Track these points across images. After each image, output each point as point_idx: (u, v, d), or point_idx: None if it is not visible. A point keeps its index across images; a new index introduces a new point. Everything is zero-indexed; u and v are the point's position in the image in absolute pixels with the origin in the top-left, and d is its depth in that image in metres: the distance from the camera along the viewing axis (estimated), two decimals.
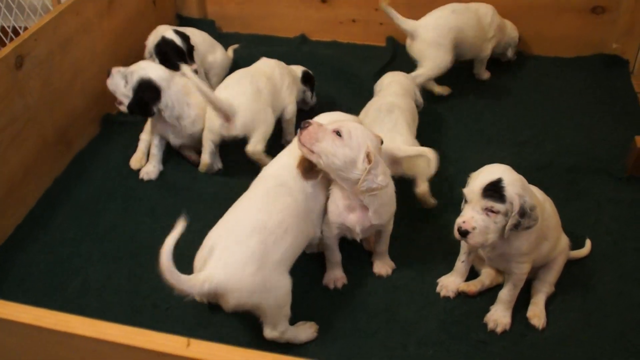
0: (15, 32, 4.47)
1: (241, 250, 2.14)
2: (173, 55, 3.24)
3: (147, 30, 3.72)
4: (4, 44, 4.46)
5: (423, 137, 3.00)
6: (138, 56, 3.65)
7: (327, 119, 2.45)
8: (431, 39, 3.43)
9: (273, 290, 2.18)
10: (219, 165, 3.16)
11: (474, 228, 2.13)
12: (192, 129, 3.07)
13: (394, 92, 3.09)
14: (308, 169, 2.38)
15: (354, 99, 3.48)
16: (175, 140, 3.13)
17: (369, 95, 3.30)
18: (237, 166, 3.14)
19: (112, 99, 3.13)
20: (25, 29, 4.00)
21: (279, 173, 2.42)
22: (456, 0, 3.61)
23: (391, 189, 2.42)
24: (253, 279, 2.12)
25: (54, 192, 3.10)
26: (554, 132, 3.31)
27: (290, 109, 3.25)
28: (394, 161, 2.65)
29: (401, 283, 2.55)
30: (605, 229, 2.75)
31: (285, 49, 4.00)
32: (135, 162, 3.22)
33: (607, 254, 2.61)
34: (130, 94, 2.95)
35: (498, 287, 2.43)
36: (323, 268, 2.60)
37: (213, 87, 3.35)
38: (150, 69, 2.97)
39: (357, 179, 2.24)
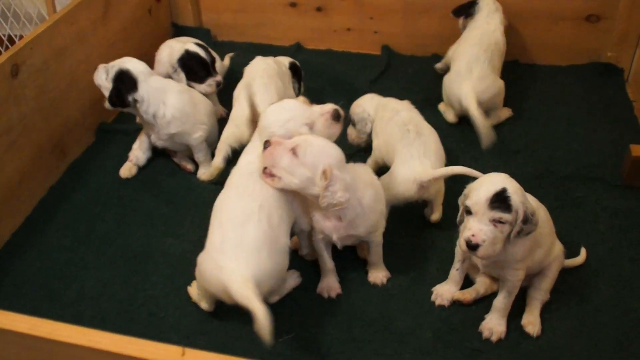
0: (11, 41, 4.48)
1: (247, 241, 2.21)
2: (199, 68, 3.33)
3: (143, 39, 3.72)
4: None
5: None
6: None
7: (276, 115, 2.47)
8: None
9: (283, 265, 2.32)
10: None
11: (483, 241, 2.12)
12: (167, 129, 3.08)
13: (406, 106, 3.03)
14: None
15: (349, 107, 3.48)
16: (156, 141, 3.16)
17: None
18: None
19: (107, 109, 3.13)
20: (21, 37, 4.00)
21: (252, 161, 2.45)
22: None
23: (372, 200, 2.42)
24: (270, 260, 2.23)
25: (50, 200, 3.10)
26: (548, 140, 3.31)
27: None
28: (421, 186, 2.65)
29: (396, 292, 2.56)
30: (600, 237, 2.75)
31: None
32: (125, 170, 3.22)
33: (602, 262, 2.61)
34: (110, 85, 3.02)
35: (493, 295, 2.43)
36: (318, 275, 2.60)
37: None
38: (130, 62, 3.05)
39: (318, 195, 2.26)
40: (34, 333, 1.65)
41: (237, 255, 2.19)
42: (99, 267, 2.73)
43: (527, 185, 2.93)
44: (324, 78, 3.84)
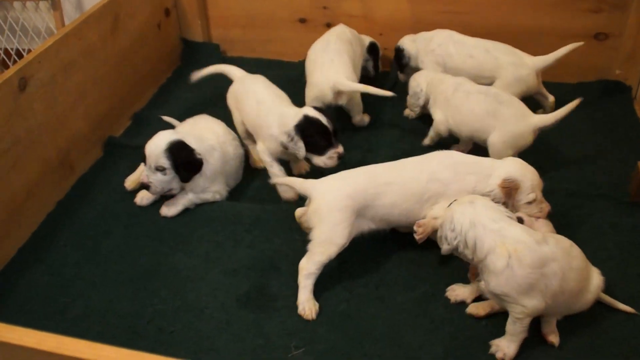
0: (19, 55, 4.50)
1: None
2: (320, 138, 2.92)
3: (152, 54, 3.72)
4: (7, 67, 4.49)
5: None
6: (142, 80, 3.67)
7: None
8: None
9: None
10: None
11: None
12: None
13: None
14: None
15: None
16: None
17: (377, 118, 3.49)
18: (241, 190, 3.15)
19: (115, 122, 3.13)
20: (29, 51, 4.02)
21: None
22: None
23: None
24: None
25: (57, 215, 3.09)
26: (556, 157, 3.30)
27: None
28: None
29: (406, 306, 2.53)
30: (608, 254, 2.72)
31: (290, 73, 4.02)
32: (130, 182, 3.19)
33: (610, 279, 2.57)
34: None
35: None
36: (326, 290, 2.60)
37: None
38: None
39: None
40: (41, 347, 1.64)
41: None
42: (106, 282, 2.70)
43: None
44: None
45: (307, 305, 2.52)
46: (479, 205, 2.29)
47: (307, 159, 3.02)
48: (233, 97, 3.34)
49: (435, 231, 2.49)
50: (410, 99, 3.46)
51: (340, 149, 2.94)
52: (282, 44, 4.23)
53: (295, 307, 2.52)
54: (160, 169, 2.87)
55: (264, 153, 3.08)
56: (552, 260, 2.19)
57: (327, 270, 2.61)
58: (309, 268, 2.55)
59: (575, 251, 2.32)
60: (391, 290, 2.61)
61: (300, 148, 2.92)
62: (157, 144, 2.85)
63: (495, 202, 2.39)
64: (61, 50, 3.14)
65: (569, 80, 3.91)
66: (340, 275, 2.66)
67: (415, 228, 2.53)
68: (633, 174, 3.00)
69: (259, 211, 2.96)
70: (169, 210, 3.00)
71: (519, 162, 2.62)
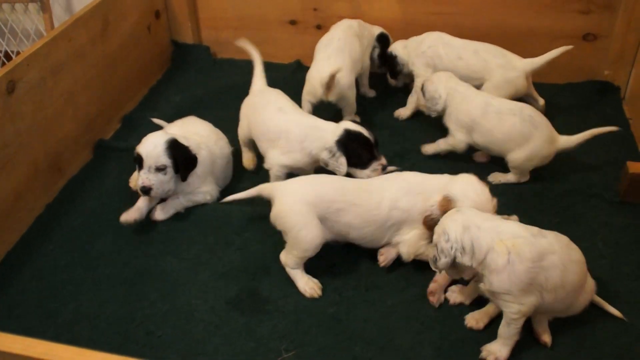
0: (8, 57, 4.48)
1: None
2: (363, 151, 2.85)
3: (142, 56, 3.70)
4: None
5: (424, 168, 3.05)
6: (132, 82, 3.66)
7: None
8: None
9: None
10: None
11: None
12: None
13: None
14: None
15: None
16: None
17: (367, 119, 3.46)
18: (231, 192, 3.14)
19: (105, 124, 3.11)
20: (18, 53, 4.00)
21: None
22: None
23: None
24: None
25: (46, 218, 3.08)
26: None
27: (366, 65, 3.78)
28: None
29: (397, 309, 2.53)
30: (599, 253, 2.74)
31: (280, 75, 4.01)
32: (134, 180, 3.15)
33: (601, 278, 2.58)
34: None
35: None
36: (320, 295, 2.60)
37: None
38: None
39: None
40: (29, 354, 1.63)
41: None
42: (95, 286, 2.69)
43: (527, 203, 2.95)
44: None
45: (307, 287, 2.58)
46: (467, 211, 2.30)
47: (349, 174, 2.91)
48: (251, 106, 3.28)
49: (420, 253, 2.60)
50: (427, 102, 3.34)
51: (383, 160, 2.88)
52: (273, 46, 4.22)
53: (287, 310, 2.52)
54: (161, 169, 2.83)
55: (279, 164, 3.05)
56: (550, 252, 2.20)
57: (316, 273, 2.62)
58: (289, 263, 2.62)
59: (574, 245, 2.33)
60: (381, 293, 2.61)
61: (341, 164, 2.85)
62: (156, 144, 2.83)
63: (434, 219, 2.44)
64: (50, 52, 3.13)
65: (558, 81, 3.93)
66: (330, 278, 2.65)
67: (378, 257, 2.62)
68: (622, 174, 3.02)
69: (249, 213, 2.96)
70: (160, 214, 2.98)
71: (469, 182, 2.55)
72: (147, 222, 2.98)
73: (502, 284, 2.18)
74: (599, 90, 3.87)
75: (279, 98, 3.21)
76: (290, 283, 2.61)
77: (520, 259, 2.16)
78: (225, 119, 3.39)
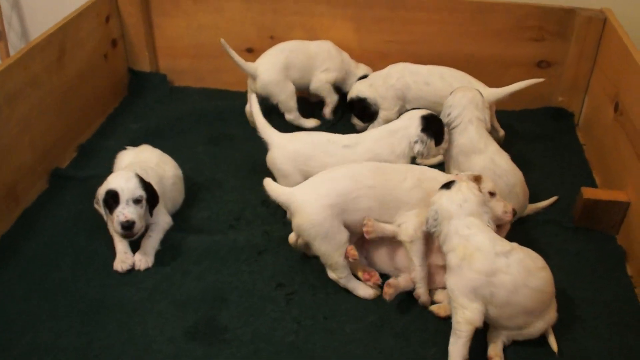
0: None
1: None
2: (442, 127, 3.00)
3: (99, 85, 3.68)
4: None
5: None
6: (89, 110, 3.62)
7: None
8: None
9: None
10: None
11: None
12: None
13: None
14: None
15: None
16: None
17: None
18: (188, 221, 3.12)
19: (61, 153, 3.06)
20: None
21: None
22: None
23: None
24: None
25: (1, 248, 3.02)
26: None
27: (314, 83, 3.88)
28: None
29: (355, 337, 2.53)
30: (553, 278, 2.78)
31: (237, 103, 4.01)
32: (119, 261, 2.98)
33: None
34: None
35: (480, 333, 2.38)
36: (272, 318, 2.59)
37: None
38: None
39: None
40: None
41: None
42: (52, 317, 2.65)
43: None
44: (281, 122, 3.84)
45: (367, 293, 2.71)
46: (463, 210, 2.39)
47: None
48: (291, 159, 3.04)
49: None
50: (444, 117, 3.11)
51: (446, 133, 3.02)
52: (231, 74, 4.21)
53: (245, 340, 2.51)
54: (139, 200, 2.78)
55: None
56: (504, 273, 2.28)
57: (274, 301, 2.65)
58: (339, 275, 2.68)
59: (543, 274, 2.38)
60: (340, 320, 2.61)
61: (431, 148, 2.97)
62: (127, 177, 2.78)
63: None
64: (5, 81, 3.09)
65: (514, 108, 3.99)
66: (288, 307, 2.65)
67: (364, 229, 2.61)
68: (577, 199, 3.07)
69: (208, 243, 2.95)
70: (145, 261, 2.87)
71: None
72: (104, 252, 2.95)
73: (450, 283, 2.34)
74: (553, 117, 3.95)
75: (320, 138, 3.09)
76: (248, 311, 2.60)
77: (470, 267, 2.28)
78: (182, 146, 3.38)
